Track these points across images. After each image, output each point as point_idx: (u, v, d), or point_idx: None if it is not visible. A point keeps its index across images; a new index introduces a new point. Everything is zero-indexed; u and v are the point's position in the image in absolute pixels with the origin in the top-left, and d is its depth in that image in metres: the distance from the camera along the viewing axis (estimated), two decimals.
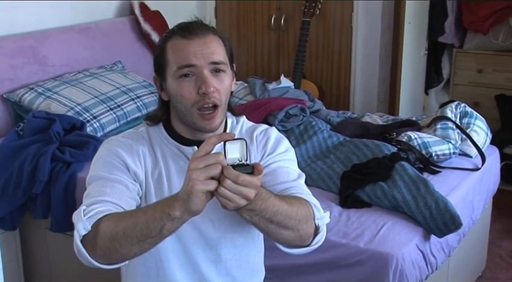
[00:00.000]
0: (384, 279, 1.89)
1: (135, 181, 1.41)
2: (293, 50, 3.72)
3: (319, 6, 3.56)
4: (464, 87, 3.71)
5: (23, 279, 2.68)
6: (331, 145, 2.57)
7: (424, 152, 2.45)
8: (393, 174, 2.20)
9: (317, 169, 2.36)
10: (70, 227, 2.44)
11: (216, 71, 1.38)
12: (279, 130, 2.67)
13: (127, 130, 1.52)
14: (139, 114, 2.95)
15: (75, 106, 2.78)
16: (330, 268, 1.97)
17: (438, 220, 2.04)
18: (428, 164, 2.43)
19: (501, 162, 2.85)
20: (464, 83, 3.71)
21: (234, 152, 1.11)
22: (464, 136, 2.57)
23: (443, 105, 2.81)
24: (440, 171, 2.40)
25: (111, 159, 1.40)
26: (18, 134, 2.63)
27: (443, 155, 2.48)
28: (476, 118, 2.65)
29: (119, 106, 2.89)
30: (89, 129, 2.71)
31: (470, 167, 2.49)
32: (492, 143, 2.74)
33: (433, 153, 2.46)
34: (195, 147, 1.42)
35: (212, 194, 1.12)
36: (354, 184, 2.21)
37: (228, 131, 1.49)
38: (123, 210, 1.31)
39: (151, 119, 1.49)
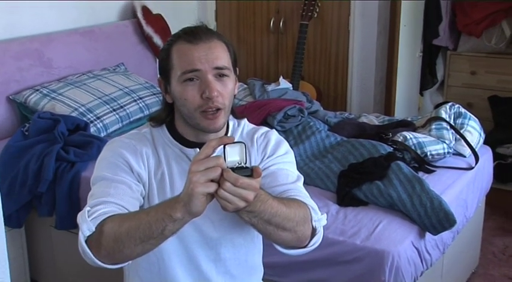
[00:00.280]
0: (380, 275, 1.89)
1: (138, 182, 1.40)
2: (291, 52, 3.72)
3: (317, 10, 3.57)
4: (458, 89, 3.71)
5: (28, 275, 2.68)
6: (328, 145, 2.56)
7: (419, 151, 2.45)
8: (389, 173, 2.20)
9: (315, 168, 2.36)
10: (74, 224, 2.43)
11: (220, 76, 1.37)
12: (277, 130, 2.69)
13: (130, 131, 1.52)
14: (141, 115, 2.95)
15: (79, 107, 2.78)
16: (328, 265, 1.97)
17: (433, 218, 2.04)
18: (423, 163, 2.43)
19: (494, 161, 2.85)
20: (458, 85, 3.71)
21: (233, 155, 1.11)
22: (458, 136, 2.57)
23: (437, 106, 2.81)
24: (435, 171, 2.40)
25: (115, 160, 1.40)
26: (23, 134, 2.63)
27: (438, 154, 2.48)
28: (469, 119, 2.66)
29: (121, 107, 2.89)
30: (92, 130, 2.71)
31: (464, 167, 2.49)
32: (485, 143, 2.74)
33: (428, 153, 2.46)
34: (197, 149, 1.41)
35: (212, 196, 1.12)
36: (351, 183, 2.21)
37: (229, 133, 1.49)
38: (126, 210, 1.31)
39: (155, 120, 1.49)
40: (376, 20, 3.49)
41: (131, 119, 2.90)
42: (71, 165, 2.48)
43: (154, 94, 3.08)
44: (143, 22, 3.46)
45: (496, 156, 3.19)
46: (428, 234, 2.07)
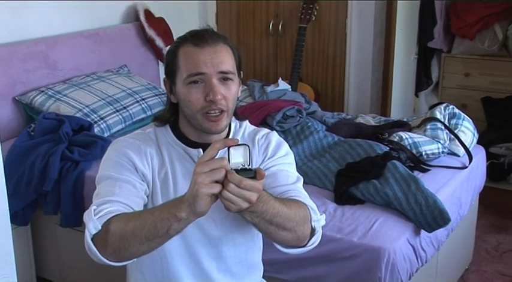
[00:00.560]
0: (376, 272, 1.89)
1: (142, 181, 1.40)
2: (290, 54, 3.72)
3: (315, 13, 3.57)
4: (452, 90, 3.71)
5: (34, 271, 2.67)
6: (326, 145, 2.56)
7: (414, 151, 2.45)
8: (385, 172, 2.20)
9: (313, 168, 2.36)
10: (78, 222, 2.45)
11: (224, 79, 1.37)
12: (276, 130, 2.69)
13: (135, 131, 1.52)
14: (144, 115, 2.95)
15: (83, 108, 2.78)
16: (326, 261, 1.97)
17: (428, 216, 2.04)
18: (419, 162, 2.43)
19: (487, 161, 2.85)
20: (452, 86, 3.71)
21: (237, 157, 1.11)
22: (452, 136, 2.57)
23: (432, 107, 2.81)
24: (429, 170, 2.40)
25: (120, 160, 1.40)
26: (29, 134, 2.63)
27: (433, 154, 2.48)
28: (463, 119, 2.66)
29: (124, 108, 2.89)
30: (96, 130, 2.71)
31: (458, 166, 2.49)
32: (479, 142, 2.74)
33: (423, 153, 2.46)
34: (201, 150, 1.41)
35: (216, 196, 1.12)
36: (348, 182, 2.21)
37: (231, 134, 1.49)
38: (131, 209, 1.31)
39: (159, 119, 1.49)
40: (373, 23, 3.48)
41: (134, 120, 2.90)
42: (76, 164, 2.48)
43: (156, 95, 3.08)
44: (146, 25, 3.46)
45: (489, 156, 3.19)
46: (423, 232, 2.07)
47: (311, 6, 3.55)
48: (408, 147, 2.46)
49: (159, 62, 3.64)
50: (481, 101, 3.62)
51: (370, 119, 2.91)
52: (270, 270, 1.81)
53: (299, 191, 1.40)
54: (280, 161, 1.46)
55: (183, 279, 1.46)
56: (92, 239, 1.25)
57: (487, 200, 3.10)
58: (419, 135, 2.54)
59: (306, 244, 1.35)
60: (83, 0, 3.23)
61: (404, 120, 2.82)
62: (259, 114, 2.80)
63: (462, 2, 3.62)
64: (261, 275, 1.62)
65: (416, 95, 3.88)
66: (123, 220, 1.23)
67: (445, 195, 2.23)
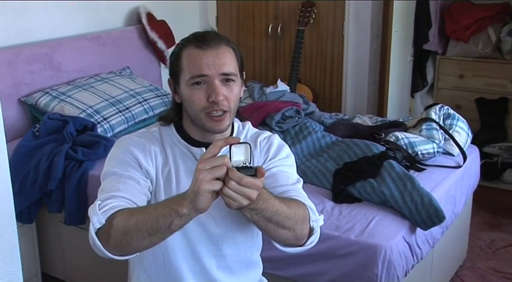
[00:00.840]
0: (373, 269, 1.89)
1: (146, 178, 1.40)
2: (289, 56, 3.72)
3: (313, 16, 3.57)
4: (447, 91, 3.71)
5: (39, 268, 2.67)
6: (324, 145, 2.56)
7: (410, 151, 2.45)
8: (382, 171, 2.20)
9: (311, 167, 2.36)
10: (82, 220, 2.44)
11: (227, 81, 1.38)
12: (275, 131, 2.69)
13: (139, 130, 1.52)
14: (146, 116, 2.95)
15: (87, 109, 2.78)
16: (323, 259, 1.97)
17: (423, 214, 2.04)
18: (414, 162, 2.43)
19: (481, 160, 2.85)
20: (447, 87, 3.71)
21: (238, 155, 1.11)
22: (447, 136, 2.57)
23: (427, 107, 2.81)
24: (425, 169, 2.40)
25: (124, 157, 1.40)
26: (34, 134, 2.63)
27: (428, 153, 2.48)
28: (458, 119, 2.66)
29: (127, 108, 2.89)
30: (99, 130, 2.71)
31: (453, 165, 2.50)
32: (473, 142, 2.74)
33: (419, 152, 2.46)
34: (203, 149, 1.42)
35: (217, 193, 1.12)
36: (345, 181, 2.21)
37: (234, 135, 1.49)
38: (135, 205, 1.32)
39: (164, 119, 1.49)
40: (370, 26, 3.48)
41: (136, 120, 2.90)
42: (79, 164, 2.47)
43: (158, 96, 3.07)
44: (148, 28, 3.46)
45: (483, 155, 3.19)
46: (418, 230, 2.08)
47: (309, 9, 3.55)
48: (404, 147, 2.46)
49: (161, 63, 3.64)
50: (475, 102, 3.62)
51: (367, 120, 2.91)
52: (269, 268, 1.81)
53: (299, 191, 1.40)
54: (281, 162, 1.46)
55: (184, 275, 1.46)
56: (96, 233, 1.25)
57: (481, 199, 3.10)
58: (415, 135, 2.54)
59: (304, 243, 1.35)
60: (87, 2, 3.23)
61: (400, 120, 2.82)
62: (259, 114, 2.80)
63: (458, 2, 3.62)
64: (260, 273, 1.62)
65: (412, 96, 3.88)
66: (126, 215, 1.23)
67: (440, 193, 2.23)
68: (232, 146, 1.11)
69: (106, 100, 2.87)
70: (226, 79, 1.37)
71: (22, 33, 2.94)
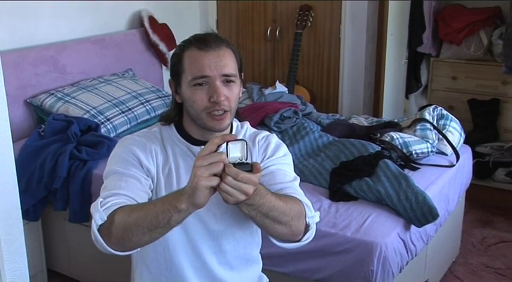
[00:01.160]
0: (369, 265, 1.89)
1: (147, 176, 1.40)
2: (287, 58, 3.72)
3: (311, 20, 3.57)
4: (441, 92, 3.71)
5: (44, 264, 2.67)
6: (321, 144, 2.56)
7: (405, 150, 2.45)
8: (377, 170, 2.20)
9: (309, 166, 2.36)
10: (86, 218, 2.44)
11: (227, 82, 1.38)
12: (274, 131, 2.69)
13: (141, 130, 1.52)
14: (148, 116, 2.94)
15: (91, 109, 2.78)
16: (321, 255, 1.97)
17: (417, 212, 2.04)
18: (409, 161, 2.43)
19: (473, 159, 2.85)
20: (441, 89, 3.71)
21: (235, 152, 1.11)
22: (440, 136, 2.57)
23: (422, 108, 2.81)
24: (419, 168, 2.40)
25: (126, 156, 1.40)
26: (40, 134, 2.62)
27: (422, 153, 2.48)
28: (451, 120, 2.66)
29: (129, 109, 2.89)
30: (103, 130, 2.71)
31: (446, 164, 2.50)
32: (465, 142, 2.74)
33: (413, 152, 2.46)
34: (203, 147, 1.42)
35: (215, 189, 1.12)
36: (342, 179, 2.21)
37: (233, 133, 1.49)
38: (135, 202, 1.31)
39: (165, 118, 1.49)
40: (365, 29, 3.48)
41: (139, 121, 2.90)
42: (83, 163, 2.47)
43: (160, 97, 3.07)
44: (150, 31, 3.45)
45: (475, 155, 3.19)
46: (413, 227, 2.08)
47: (307, 13, 3.55)
48: (399, 146, 2.46)
49: (163, 65, 3.63)
50: (468, 103, 3.62)
51: (363, 120, 2.90)
52: (268, 264, 1.80)
53: (295, 188, 1.40)
54: (278, 161, 1.46)
55: (185, 271, 1.46)
56: (98, 230, 1.25)
57: (473, 197, 3.11)
58: (409, 135, 2.54)
59: (300, 239, 1.35)
60: (90, 6, 3.23)
61: (395, 121, 2.82)
62: (258, 115, 2.80)
63: (451, 6, 3.62)
64: (260, 269, 1.62)
65: (407, 97, 3.88)
66: (126, 211, 1.23)
67: (434, 192, 2.23)
68: (229, 143, 1.11)
69: (109, 101, 2.87)
70: (227, 80, 1.38)
71: (28, 36, 2.94)
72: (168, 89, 3.31)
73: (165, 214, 1.17)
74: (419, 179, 2.27)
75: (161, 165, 1.43)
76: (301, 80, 3.76)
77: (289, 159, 1.50)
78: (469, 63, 3.58)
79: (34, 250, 2.55)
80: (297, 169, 2.23)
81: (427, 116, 2.63)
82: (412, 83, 3.83)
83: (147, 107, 2.96)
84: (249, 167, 1.11)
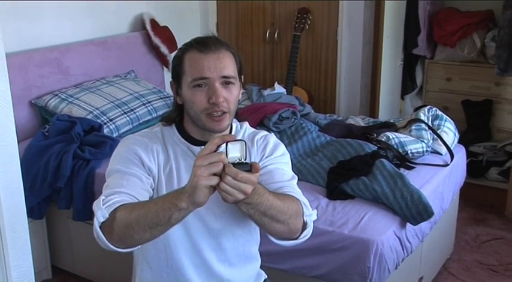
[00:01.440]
0: (365, 262, 1.89)
1: (148, 175, 1.40)
2: (285, 60, 3.72)
3: (309, 22, 3.57)
4: (435, 93, 3.71)
5: (49, 261, 2.67)
6: (319, 144, 2.56)
7: (400, 150, 2.45)
8: (374, 169, 2.20)
9: (307, 165, 2.36)
10: (89, 216, 2.44)
11: (226, 83, 1.37)
12: (273, 131, 2.69)
13: (143, 130, 1.52)
14: (149, 117, 2.94)
15: (94, 110, 2.78)
16: (318, 253, 1.97)
17: (413, 210, 2.04)
18: (404, 160, 2.43)
19: (467, 159, 2.85)
20: (435, 90, 3.71)
21: (234, 152, 1.11)
22: (435, 136, 2.58)
23: (417, 109, 2.81)
24: (414, 167, 2.41)
25: (128, 155, 1.40)
26: (44, 134, 2.62)
27: (417, 152, 2.48)
28: (445, 120, 2.66)
29: (132, 110, 2.89)
30: (105, 131, 2.70)
31: (441, 163, 2.50)
32: (459, 142, 2.74)
33: (409, 151, 2.46)
34: (203, 147, 1.42)
35: (214, 188, 1.12)
36: (339, 178, 2.20)
37: (232, 133, 1.49)
38: (137, 200, 1.31)
39: (166, 119, 1.49)
40: (362, 32, 3.48)
41: (140, 121, 2.90)
42: (86, 162, 2.47)
43: (161, 98, 3.07)
44: (151, 33, 3.45)
45: (469, 154, 3.19)
46: (408, 225, 2.08)
47: (304, 16, 3.55)
48: (395, 146, 2.46)
49: (164, 67, 3.63)
50: (462, 104, 3.62)
51: (359, 120, 2.90)
52: (267, 261, 1.80)
53: (293, 187, 1.40)
54: (276, 160, 1.45)
55: (185, 268, 1.46)
56: (100, 227, 1.25)
57: (467, 195, 3.11)
58: (405, 135, 2.54)
59: (298, 237, 1.34)
60: (94, 10, 3.23)
61: (391, 121, 2.82)
62: (257, 115, 2.80)
63: (445, 9, 3.62)
64: (258, 266, 1.62)
65: (402, 98, 3.88)
66: (128, 209, 1.23)
67: (429, 190, 2.24)
68: (229, 143, 1.11)
69: (112, 102, 2.87)
70: (227, 82, 1.37)
71: (33, 39, 2.93)
72: (169, 90, 3.32)
73: (166, 212, 1.17)
74: (415, 178, 2.27)
75: (162, 164, 1.43)
76: (299, 81, 3.76)
77: (287, 158, 1.49)
78: (463, 65, 3.58)
79: (39, 247, 2.55)
80: (295, 168, 2.23)
81: (422, 117, 2.63)
82: (408, 84, 3.83)
83: (149, 108, 2.96)
84: (248, 167, 1.11)
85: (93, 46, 3.18)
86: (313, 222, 1.37)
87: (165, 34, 3.52)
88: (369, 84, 3.65)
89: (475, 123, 3.57)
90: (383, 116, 3.48)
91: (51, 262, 2.69)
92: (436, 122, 2.64)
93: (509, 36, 3.15)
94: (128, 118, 2.84)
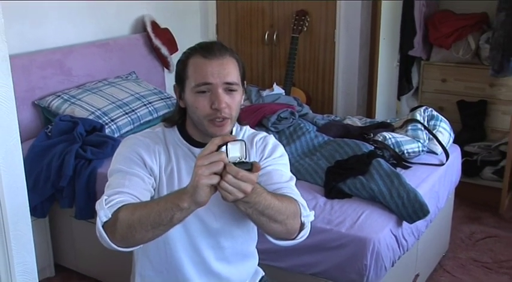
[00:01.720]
0: (362, 259, 1.89)
1: (150, 175, 1.40)
2: (284, 61, 3.72)
3: (307, 25, 3.57)
4: (431, 94, 3.71)
5: (52, 259, 2.67)
6: (317, 144, 2.56)
7: (397, 150, 2.45)
8: (371, 169, 2.20)
9: (305, 165, 2.36)
10: (91, 215, 2.44)
11: (229, 90, 1.37)
12: (271, 131, 2.68)
13: (145, 130, 1.51)
14: (150, 117, 2.94)
15: (96, 111, 2.77)
16: (316, 250, 1.97)
17: (409, 208, 2.05)
18: (401, 160, 2.43)
19: (462, 158, 2.85)
20: (431, 91, 3.72)
21: (235, 152, 1.11)
22: (431, 136, 2.58)
23: (413, 109, 2.81)
24: (411, 167, 2.41)
25: (130, 155, 1.40)
26: (47, 135, 2.62)
27: (414, 152, 2.48)
28: (441, 120, 2.66)
29: (133, 111, 2.89)
30: (107, 131, 2.70)
31: (436, 163, 2.50)
32: (454, 142, 2.74)
33: (405, 151, 2.46)
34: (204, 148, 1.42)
35: (215, 188, 1.12)
36: (336, 178, 2.20)
37: (232, 135, 1.49)
38: (139, 200, 1.31)
39: (168, 121, 1.49)
40: (359, 34, 3.49)
41: (141, 121, 2.90)
42: (88, 162, 2.47)
43: (162, 99, 3.07)
44: (152, 35, 3.45)
45: (464, 154, 3.20)
46: (405, 223, 2.08)
47: (303, 18, 3.55)
48: (391, 146, 2.46)
49: (165, 68, 3.63)
50: (457, 104, 3.62)
51: (356, 121, 2.91)
52: (265, 259, 1.81)
53: (291, 188, 1.40)
54: (275, 161, 1.45)
55: (184, 265, 1.46)
56: (103, 226, 1.25)
57: (462, 194, 3.11)
58: (401, 135, 2.54)
59: (295, 237, 1.34)
60: (96, 12, 3.23)
61: (388, 121, 2.82)
62: (256, 116, 2.80)
63: (441, 11, 3.62)
64: (256, 264, 1.62)
65: (399, 99, 3.88)
66: (130, 209, 1.23)
67: (425, 189, 2.24)
68: (229, 143, 1.11)
69: (113, 103, 2.87)
70: (229, 88, 1.36)
71: (36, 41, 2.93)
72: (170, 91, 3.32)
73: (168, 212, 1.17)
74: (411, 177, 2.27)
75: (164, 165, 1.43)
76: (297, 82, 3.76)
77: (285, 159, 1.49)
78: (458, 67, 3.58)
79: (42, 245, 2.55)
80: (294, 168, 2.23)
81: (418, 117, 2.63)
82: (404, 85, 3.83)
83: (150, 108, 2.96)
84: (249, 166, 1.12)
85: (95, 48, 3.18)
86: (311, 222, 1.37)
87: (166, 36, 3.52)
88: (366, 85, 3.65)
89: (469, 124, 3.57)
90: (380, 116, 3.48)
91: (54, 260, 2.69)
92: (432, 122, 2.64)
93: (503, 38, 3.16)
94: (129, 118, 2.84)
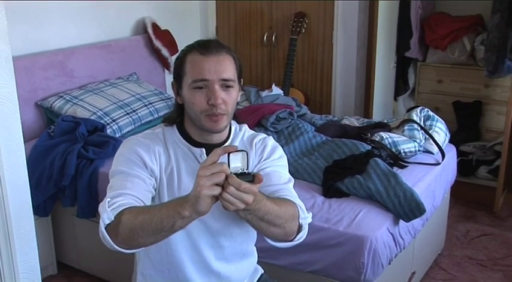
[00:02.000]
0: (360, 257, 1.89)
1: (151, 176, 1.40)
2: (283, 63, 3.72)
3: (305, 26, 3.57)
4: (427, 95, 3.72)
5: (54, 257, 2.67)
6: (315, 144, 2.56)
7: (393, 149, 2.46)
8: (368, 168, 2.20)
9: (303, 164, 2.36)
10: (93, 214, 2.44)
11: (226, 86, 1.37)
12: (270, 131, 2.68)
13: (145, 131, 1.51)
14: (151, 118, 2.94)
15: (97, 111, 2.77)
16: (314, 249, 1.97)
17: (406, 207, 2.05)
18: (397, 159, 2.43)
19: (457, 158, 2.85)
20: (427, 91, 3.72)
21: (236, 162, 1.11)
22: (427, 136, 2.58)
23: (409, 110, 2.81)
24: (407, 166, 2.41)
25: (131, 156, 1.39)
26: (49, 135, 2.62)
27: (410, 152, 2.49)
28: (437, 121, 2.66)
29: (134, 111, 2.88)
30: (108, 131, 2.70)
31: (433, 162, 2.50)
32: (450, 141, 2.74)
33: (402, 151, 2.46)
34: (203, 149, 1.42)
35: (217, 198, 1.11)
36: (334, 177, 2.21)
37: (231, 136, 1.48)
38: (141, 201, 1.31)
39: (168, 119, 1.49)
40: (356, 35, 3.49)
41: (142, 122, 2.90)
42: (90, 162, 2.47)
43: (162, 100, 3.07)
44: (153, 37, 3.45)
45: (459, 154, 3.20)
46: (401, 221, 2.08)
47: (301, 19, 3.55)
48: (388, 146, 2.46)
49: (165, 69, 3.63)
50: (452, 105, 3.63)
51: (354, 121, 2.91)
52: (264, 257, 1.80)
53: (290, 190, 1.39)
54: (274, 163, 1.45)
55: (185, 265, 1.46)
56: (106, 228, 1.25)
57: (458, 193, 3.11)
58: (398, 135, 2.54)
59: (293, 239, 1.35)
60: (97, 14, 3.22)
61: (385, 121, 2.82)
62: (255, 116, 2.80)
63: (436, 13, 3.62)
64: (255, 262, 1.62)
65: (395, 99, 3.88)
66: (133, 213, 1.22)
67: (421, 188, 2.24)
68: (230, 154, 1.10)
69: (115, 103, 2.87)
70: (226, 85, 1.37)
71: (38, 42, 2.93)
72: (170, 92, 3.32)
73: (170, 219, 1.16)
74: (407, 176, 2.27)
75: (164, 165, 1.43)
76: (296, 83, 3.76)
77: (284, 161, 1.49)
78: (454, 68, 3.58)
79: (44, 244, 2.55)
80: (292, 167, 2.23)
81: (415, 117, 2.63)
82: (401, 86, 3.83)
83: (151, 109, 2.96)
84: (251, 177, 1.11)
85: (96, 49, 3.17)
86: (308, 227, 1.37)
87: (166, 37, 3.52)
88: (363, 86, 3.65)
89: (465, 124, 3.57)
90: (377, 116, 3.48)
91: (57, 258, 2.69)
92: (428, 123, 2.64)
93: (497, 40, 3.16)
94: (130, 119, 2.84)
